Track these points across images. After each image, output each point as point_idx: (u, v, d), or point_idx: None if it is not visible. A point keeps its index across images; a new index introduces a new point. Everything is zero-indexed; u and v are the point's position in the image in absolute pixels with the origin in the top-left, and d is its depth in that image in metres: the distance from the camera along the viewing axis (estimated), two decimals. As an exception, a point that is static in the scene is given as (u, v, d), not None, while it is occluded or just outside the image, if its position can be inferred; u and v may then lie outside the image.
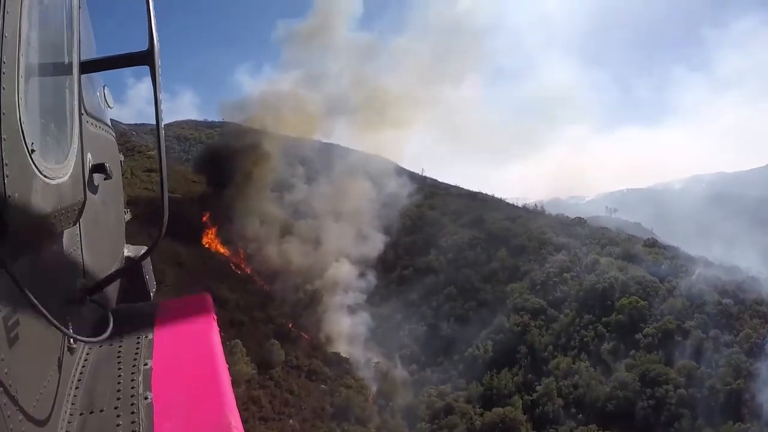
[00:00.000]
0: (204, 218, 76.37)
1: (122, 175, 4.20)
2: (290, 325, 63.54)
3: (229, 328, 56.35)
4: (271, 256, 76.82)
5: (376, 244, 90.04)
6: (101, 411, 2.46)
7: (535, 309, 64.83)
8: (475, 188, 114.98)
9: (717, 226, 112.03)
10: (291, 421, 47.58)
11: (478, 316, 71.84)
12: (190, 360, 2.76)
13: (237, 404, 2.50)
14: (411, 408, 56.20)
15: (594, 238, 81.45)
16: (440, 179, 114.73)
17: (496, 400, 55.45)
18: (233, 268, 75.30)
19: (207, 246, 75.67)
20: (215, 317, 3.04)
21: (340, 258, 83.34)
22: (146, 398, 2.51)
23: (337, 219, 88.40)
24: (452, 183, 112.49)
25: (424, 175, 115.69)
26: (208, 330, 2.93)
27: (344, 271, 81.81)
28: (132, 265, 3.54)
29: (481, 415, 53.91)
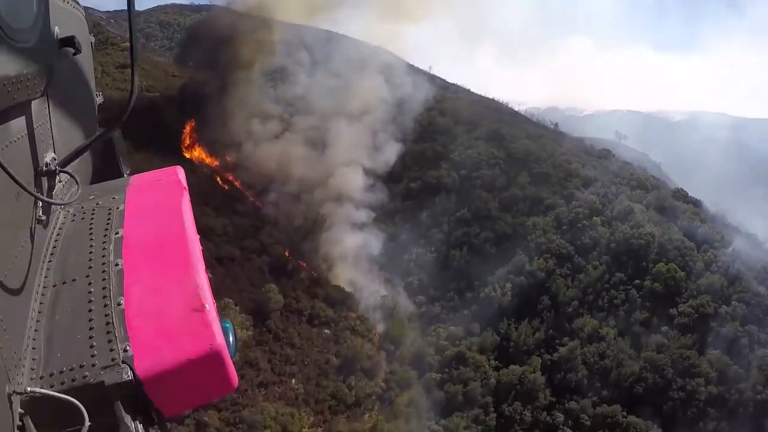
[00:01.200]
0: (187, 127, 66.55)
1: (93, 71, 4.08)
2: (286, 254, 55.57)
3: (216, 266, 47.91)
4: (263, 161, 65.83)
5: (388, 152, 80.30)
6: (73, 281, 2.47)
7: (560, 254, 59.07)
8: (482, 91, 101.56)
9: (728, 175, 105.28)
10: (293, 381, 42.76)
11: (495, 249, 65.98)
12: (161, 229, 2.73)
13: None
14: (419, 354, 52.19)
15: (622, 177, 73.81)
16: (448, 79, 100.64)
17: (513, 354, 51.98)
18: (220, 182, 64.69)
19: (190, 159, 64.54)
20: (186, 187, 2.91)
21: (346, 166, 73.91)
22: (117, 265, 2.52)
23: (343, 118, 76.38)
24: (459, 84, 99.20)
25: (432, 73, 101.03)
26: (179, 200, 2.85)
27: (351, 181, 72.85)
28: (102, 136, 3.16)
29: (496, 370, 50.58)
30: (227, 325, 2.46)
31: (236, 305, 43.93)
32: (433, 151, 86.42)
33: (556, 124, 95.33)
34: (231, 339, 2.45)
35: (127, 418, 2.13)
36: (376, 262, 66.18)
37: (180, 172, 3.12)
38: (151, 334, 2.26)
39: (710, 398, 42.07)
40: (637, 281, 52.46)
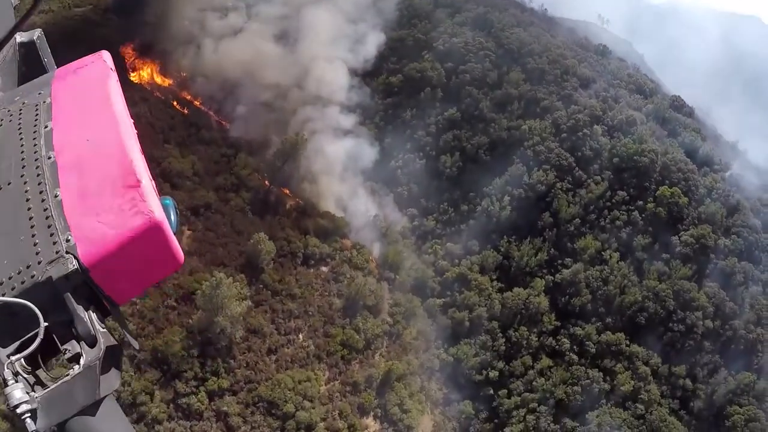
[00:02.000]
0: (129, 44, 56.13)
1: None
2: (266, 184, 48.62)
3: (193, 219, 41.29)
4: (225, 64, 55.41)
5: (369, 43, 68.47)
6: (9, 184, 2.42)
7: (561, 165, 55.07)
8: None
9: (715, 74, 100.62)
10: (301, 338, 38.16)
11: (489, 156, 60.31)
12: (90, 113, 2.62)
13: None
14: (420, 280, 49.01)
15: (620, 79, 68.01)
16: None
17: (515, 274, 50.09)
18: (177, 106, 54.22)
19: (138, 83, 54.29)
20: (113, 69, 2.76)
21: (324, 61, 62.62)
22: (50, 158, 2.46)
23: (315, 4, 63.46)
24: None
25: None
26: (106, 82, 2.71)
27: (331, 80, 61.43)
28: (9, 36, 3.02)
29: (500, 292, 48.86)
30: (167, 201, 2.45)
31: (225, 266, 37.90)
32: (414, 39, 74.62)
33: (545, 9, 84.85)
34: (172, 215, 2.41)
35: (80, 310, 2.11)
36: (361, 172, 59.07)
37: (106, 55, 2.83)
38: (90, 219, 2.22)
39: (706, 332, 43.27)
40: (639, 202, 50.51)
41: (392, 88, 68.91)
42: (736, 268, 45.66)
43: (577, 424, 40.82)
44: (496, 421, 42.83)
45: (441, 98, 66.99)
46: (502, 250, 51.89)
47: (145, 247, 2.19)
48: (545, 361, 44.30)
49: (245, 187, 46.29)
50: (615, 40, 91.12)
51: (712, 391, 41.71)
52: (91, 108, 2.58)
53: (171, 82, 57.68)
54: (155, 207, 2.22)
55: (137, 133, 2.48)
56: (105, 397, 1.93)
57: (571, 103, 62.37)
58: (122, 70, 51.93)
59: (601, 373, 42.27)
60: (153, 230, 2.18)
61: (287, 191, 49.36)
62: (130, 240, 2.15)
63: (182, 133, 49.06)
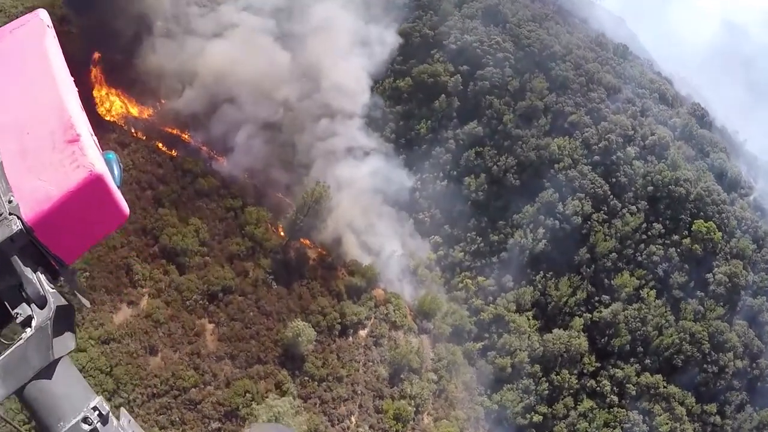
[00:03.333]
0: (93, 68, 50.02)
1: None
2: (282, 236, 46.20)
3: (213, 310, 39.40)
4: (214, 71, 49.89)
5: (382, 42, 66.05)
6: None
7: (596, 194, 57.09)
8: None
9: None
10: (354, 422, 39.06)
11: (518, 179, 60.94)
12: (27, 71, 2.66)
13: None
14: (458, 327, 51.06)
15: (644, 87, 69.34)
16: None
17: (552, 313, 53.37)
18: (164, 147, 48.49)
19: (112, 120, 48.81)
20: (50, 25, 2.80)
21: (338, 65, 58.82)
22: None
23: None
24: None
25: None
26: (42, 39, 2.73)
27: (346, 88, 58.33)
28: None
29: (539, 332, 52.27)
30: (110, 156, 2.49)
31: (262, 363, 38.31)
32: (420, 35, 72.25)
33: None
34: (115, 168, 2.45)
35: (28, 272, 2.17)
36: (383, 199, 57.19)
37: (42, 13, 2.86)
38: (31, 178, 2.27)
39: (736, 371, 48.31)
40: (675, 237, 53.76)
41: (401, 93, 67.14)
42: (764, 306, 50.60)
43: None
44: (541, 463, 47.55)
45: (458, 108, 66.33)
46: (539, 286, 54.70)
47: (88, 201, 2.26)
48: (586, 403, 48.56)
49: (262, 250, 43.71)
50: (609, 17, 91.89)
51: (739, 427, 47.45)
52: (28, 67, 2.66)
53: (150, 112, 51.37)
54: (96, 160, 2.29)
55: (78, 91, 2.57)
56: (60, 359, 1.98)
57: (600, 119, 63.68)
58: (89, 103, 46.37)
59: (641, 416, 47.18)
60: (95, 184, 2.25)
61: (307, 242, 47.46)
62: (72, 195, 2.22)
63: (175, 187, 44.76)
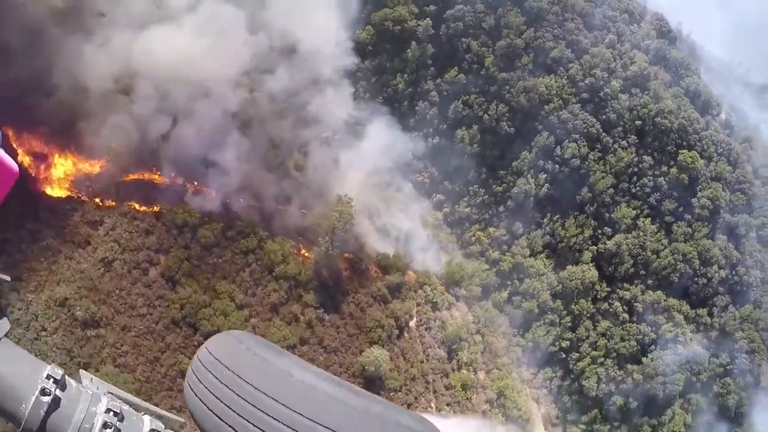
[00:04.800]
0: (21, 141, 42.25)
1: None
2: (308, 257, 46.14)
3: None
4: (163, 70, 42.67)
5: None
6: None
7: (589, 134, 63.90)
8: None
9: None
10: (434, 407, 45.21)
11: (511, 125, 65.77)
12: None
13: None
14: (485, 283, 57.53)
15: (613, 8, 73.92)
16: None
17: (562, 250, 62.21)
18: (140, 206, 42.51)
19: (61, 196, 42.07)
20: None
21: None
22: None
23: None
24: None
25: None
26: None
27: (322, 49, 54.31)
28: None
29: (554, 270, 61.41)
30: None
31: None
32: None
33: None
34: None
35: None
36: (382, 168, 57.27)
37: None
38: None
39: (720, 280, 60.21)
40: (664, 168, 62.85)
41: (364, 47, 64.61)
42: (740, 221, 62.37)
43: (636, 366, 58.43)
44: (572, 377, 59.11)
45: (433, 55, 67.12)
46: (548, 228, 62.93)
47: None
48: (603, 324, 59.34)
49: (300, 285, 43.77)
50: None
51: (725, 323, 60.53)
52: None
53: (103, 162, 43.36)
54: None
55: None
56: None
57: (581, 52, 68.59)
58: (28, 192, 39.06)
59: (649, 327, 59.05)
60: None
61: (351, 257, 48.64)
62: None
63: (179, 253, 40.84)
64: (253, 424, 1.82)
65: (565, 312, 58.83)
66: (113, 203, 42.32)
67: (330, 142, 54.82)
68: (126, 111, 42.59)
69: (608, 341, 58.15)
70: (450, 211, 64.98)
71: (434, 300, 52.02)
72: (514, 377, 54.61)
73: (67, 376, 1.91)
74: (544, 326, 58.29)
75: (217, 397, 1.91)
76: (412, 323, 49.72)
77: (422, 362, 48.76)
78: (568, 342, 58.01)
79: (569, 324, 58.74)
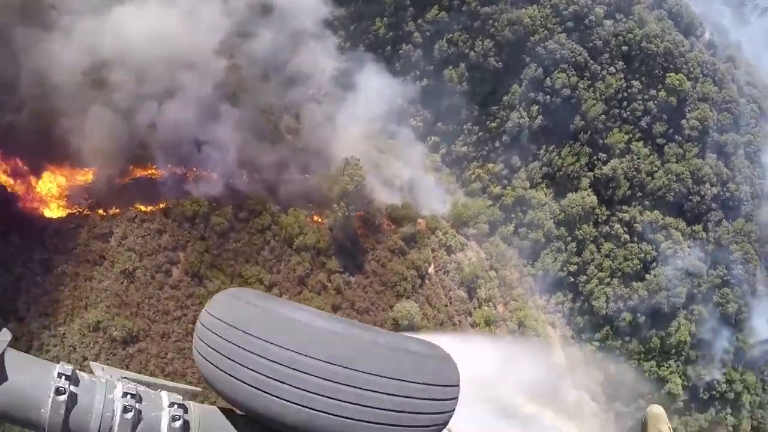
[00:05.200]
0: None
1: None
2: (322, 223, 46.34)
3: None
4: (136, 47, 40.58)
5: None
6: None
7: (577, 63, 64.89)
8: None
9: None
10: None
11: (498, 60, 66.40)
12: None
13: None
14: (492, 220, 58.99)
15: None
16: None
17: (561, 179, 63.57)
18: (145, 206, 41.28)
19: (63, 216, 40.11)
20: None
21: None
22: None
23: None
24: None
25: None
26: None
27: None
28: None
29: (554, 199, 62.84)
30: None
31: None
32: None
33: None
34: None
35: None
36: (376, 117, 57.80)
37: None
38: None
39: (712, 196, 62.68)
40: (652, 91, 64.61)
41: None
42: (729, 140, 65.12)
43: (641, 283, 60.89)
44: (582, 298, 61.11)
45: None
46: (544, 159, 64.23)
47: None
48: (606, 246, 61.11)
49: (323, 254, 44.47)
50: None
51: (719, 236, 63.57)
52: None
53: (94, 168, 41.32)
54: None
55: None
56: (3, 355, 1.80)
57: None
58: (26, 219, 37.37)
59: (650, 246, 61.50)
60: None
61: (360, 213, 48.64)
62: None
63: (198, 245, 40.41)
64: (266, 375, 1.81)
65: (569, 238, 60.54)
66: (117, 210, 40.66)
67: (319, 99, 54.31)
68: (104, 105, 39.90)
69: (612, 262, 60.31)
70: (447, 152, 65.40)
71: (447, 244, 53.33)
72: (530, 306, 56.27)
73: (77, 371, 1.87)
74: (551, 254, 59.89)
75: (226, 357, 1.89)
76: (430, 270, 50.87)
77: (446, 306, 50.23)
78: (575, 266, 59.91)
79: (575, 249, 60.56)
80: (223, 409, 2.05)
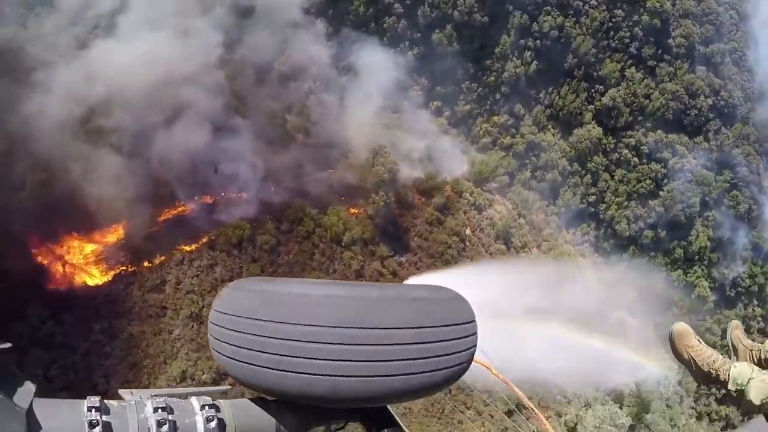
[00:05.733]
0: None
1: None
2: (364, 213, 47.63)
3: None
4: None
5: None
6: None
7: (560, 2, 67.95)
8: None
9: None
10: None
11: (484, 14, 69.60)
12: None
13: None
14: (510, 170, 63.05)
15: None
16: None
17: (564, 117, 67.60)
18: (185, 247, 41.06)
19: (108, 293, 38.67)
20: None
21: None
22: None
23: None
24: None
25: None
26: None
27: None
28: None
29: (563, 138, 67.02)
30: None
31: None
32: None
33: None
34: None
35: None
36: (385, 96, 60.25)
37: None
38: None
39: (708, 107, 67.09)
40: (635, 17, 68.33)
41: None
42: (715, 50, 69.19)
43: (656, 201, 65.59)
44: (604, 225, 65.78)
45: None
46: (545, 101, 68.19)
47: None
48: (619, 172, 65.43)
49: (371, 244, 46.01)
50: None
51: (721, 143, 68.28)
52: None
53: (123, 222, 40.07)
54: None
55: None
56: (31, 405, 1.70)
57: None
58: (72, 296, 36.73)
59: (658, 165, 66.09)
60: None
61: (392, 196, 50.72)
62: None
63: (252, 268, 40.70)
64: (283, 354, 1.80)
65: (583, 171, 64.88)
66: (162, 258, 40.08)
67: (318, 90, 56.14)
68: (108, 152, 38.78)
69: (627, 186, 64.89)
70: (451, 114, 68.68)
71: (476, 203, 57.04)
72: (560, 242, 60.63)
73: (105, 400, 1.85)
74: (569, 189, 64.30)
75: (240, 347, 1.89)
76: (468, 232, 54.65)
77: (484, 256, 53.86)
78: (593, 196, 64.47)
79: (590, 181, 64.97)
80: (253, 399, 2.09)
